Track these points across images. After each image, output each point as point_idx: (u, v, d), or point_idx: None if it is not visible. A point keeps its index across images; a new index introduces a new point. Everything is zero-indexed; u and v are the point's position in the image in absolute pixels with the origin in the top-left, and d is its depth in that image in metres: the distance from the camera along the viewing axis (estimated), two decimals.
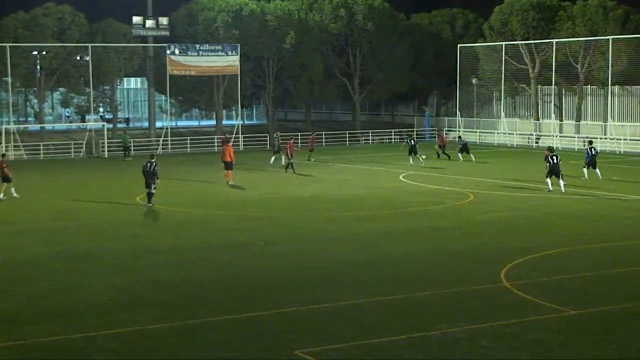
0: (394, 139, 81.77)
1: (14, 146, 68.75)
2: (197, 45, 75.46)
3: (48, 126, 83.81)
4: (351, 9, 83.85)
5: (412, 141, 59.84)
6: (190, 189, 47.41)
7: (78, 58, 77.33)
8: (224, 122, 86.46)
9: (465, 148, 61.82)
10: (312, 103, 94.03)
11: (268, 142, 78.51)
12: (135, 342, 19.10)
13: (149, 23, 76.11)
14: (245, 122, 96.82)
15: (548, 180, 43.21)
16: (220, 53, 75.46)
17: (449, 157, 60.89)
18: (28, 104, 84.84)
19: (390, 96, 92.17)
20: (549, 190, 42.66)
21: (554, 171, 42.95)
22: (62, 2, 77.35)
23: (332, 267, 26.66)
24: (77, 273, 26.13)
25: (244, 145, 76.24)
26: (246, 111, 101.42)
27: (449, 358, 17.99)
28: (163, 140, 74.52)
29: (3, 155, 44.60)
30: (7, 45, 70.32)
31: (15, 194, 42.85)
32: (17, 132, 71.53)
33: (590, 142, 50.41)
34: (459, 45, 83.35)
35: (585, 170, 48.41)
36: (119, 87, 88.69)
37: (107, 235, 32.77)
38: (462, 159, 60.61)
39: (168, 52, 74.14)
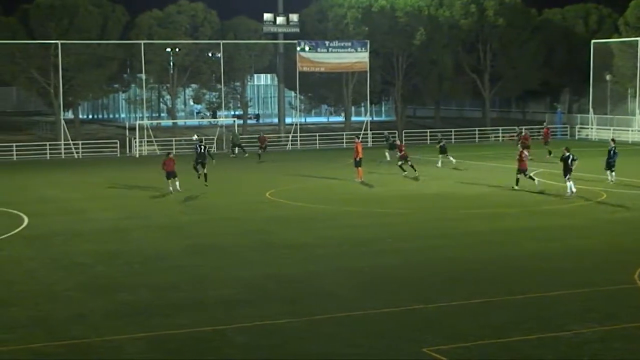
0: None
1: (147, 141, 70.17)
2: (327, 42, 75.76)
3: (180, 122, 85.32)
4: (482, 4, 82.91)
5: (391, 138, 60.77)
6: (319, 185, 47.59)
7: (210, 55, 78.61)
8: (353, 118, 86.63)
9: (443, 149, 56.69)
10: (441, 100, 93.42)
11: (396, 139, 78.23)
12: (264, 336, 19.24)
13: (280, 20, 76.72)
14: (374, 118, 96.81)
15: (568, 183, 41.25)
16: (349, 49, 75.65)
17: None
18: (161, 100, 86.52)
19: (520, 93, 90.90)
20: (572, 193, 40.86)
21: (566, 171, 41.19)
22: (195, 0, 78.68)
23: (460, 265, 26.40)
24: (205, 267, 26.49)
25: (372, 142, 76.18)
26: (375, 108, 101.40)
27: (580, 359, 17.61)
28: (292, 136, 75.04)
29: (169, 154, 45.61)
30: (142, 42, 71.83)
31: (178, 188, 43.91)
32: (151, 128, 72.99)
33: (614, 141, 48.10)
34: (592, 41, 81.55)
35: (608, 172, 45.94)
36: (249, 83, 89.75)
37: (235, 231, 33.13)
38: (440, 163, 55.86)
39: (298, 48, 74.61)
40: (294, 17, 77.22)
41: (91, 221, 35.54)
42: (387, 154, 59.24)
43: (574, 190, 40.78)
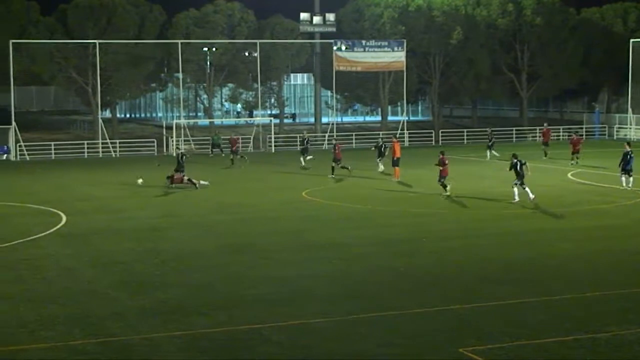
0: (562, 136, 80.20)
1: (184, 140, 70.47)
2: (363, 41, 75.79)
3: (217, 121, 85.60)
4: (519, 3, 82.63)
5: (306, 142, 57.63)
6: (356, 184, 47.53)
7: (246, 54, 78.78)
8: (389, 118, 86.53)
9: (381, 152, 53.03)
10: (479, 99, 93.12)
11: (433, 138, 78.17)
12: (299, 335, 19.26)
13: (316, 19, 76.79)
14: (411, 118, 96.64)
15: (515, 189, 38.85)
16: (386, 49, 75.62)
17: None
18: (198, 99, 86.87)
19: (558, 92, 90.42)
20: (516, 201, 38.49)
21: (520, 177, 38.65)
22: (232, 0, 78.91)
23: (496, 265, 26.29)
24: (241, 265, 26.55)
25: (409, 141, 76.10)
26: (411, 107, 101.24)
27: None
28: (329, 136, 75.05)
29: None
30: (179, 41, 72.17)
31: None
32: (188, 127, 73.28)
33: (629, 144, 44.27)
34: (631, 40, 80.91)
35: (623, 178, 43.27)
36: (286, 82, 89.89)
37: (271, 230, 33.18)
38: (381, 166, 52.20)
39: (334, 48, 74.69)
40: (331, 17, 77.26)
41: (128, 220, 35.74)
42: (301, 158, 56.51)
43: (531, 196, 38.14)
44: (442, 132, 79.02)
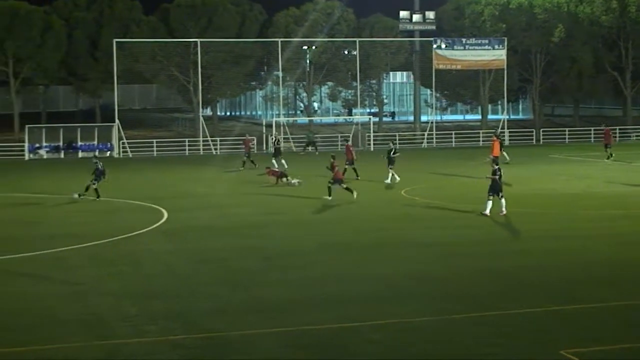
0: None
1: (284, 138, 70.87)
2: (463, 39, 75.29)
3: (316, 119, 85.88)
4: (624, 0, 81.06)
5: (276, 143, 55.21)
6: (455, 183, 47.26)
7: (346, 52, 78.92)
8: (489, 116, 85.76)
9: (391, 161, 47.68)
10: (581, 98, 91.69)
11: (534, 137, 77.20)
12: (398, 334, 19.16)
13: (416, 17, 76.49)
14: (511, 116, 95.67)
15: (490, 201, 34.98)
16: (486, 47, 74.95)
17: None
18: (297, 97, 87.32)
19: None
20: (483, 214, 34.77)
21: (496, 188, 34.93)
22: None
23: (598, 266, 25.84)
24: (340, 264, 26.56)
25: (509, 140, 75.28)
26: (512, 105, 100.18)
27: None
28: (428, 134, 74.73)
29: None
30: (279, 40, 72.59)
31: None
32: (287, 125, 73.65)
33: None
34: None
35: None
36: (385, 81, 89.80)
37: (369, 228, 33.14)
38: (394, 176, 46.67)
39: (434, 46, 74.30)
40: (431, 15, 76.89)
41: (228, 216, 36.07)
42: (273, 161, 53.62)
43: (487, 212, 34.69)
44: (543, 131, 78.00)
